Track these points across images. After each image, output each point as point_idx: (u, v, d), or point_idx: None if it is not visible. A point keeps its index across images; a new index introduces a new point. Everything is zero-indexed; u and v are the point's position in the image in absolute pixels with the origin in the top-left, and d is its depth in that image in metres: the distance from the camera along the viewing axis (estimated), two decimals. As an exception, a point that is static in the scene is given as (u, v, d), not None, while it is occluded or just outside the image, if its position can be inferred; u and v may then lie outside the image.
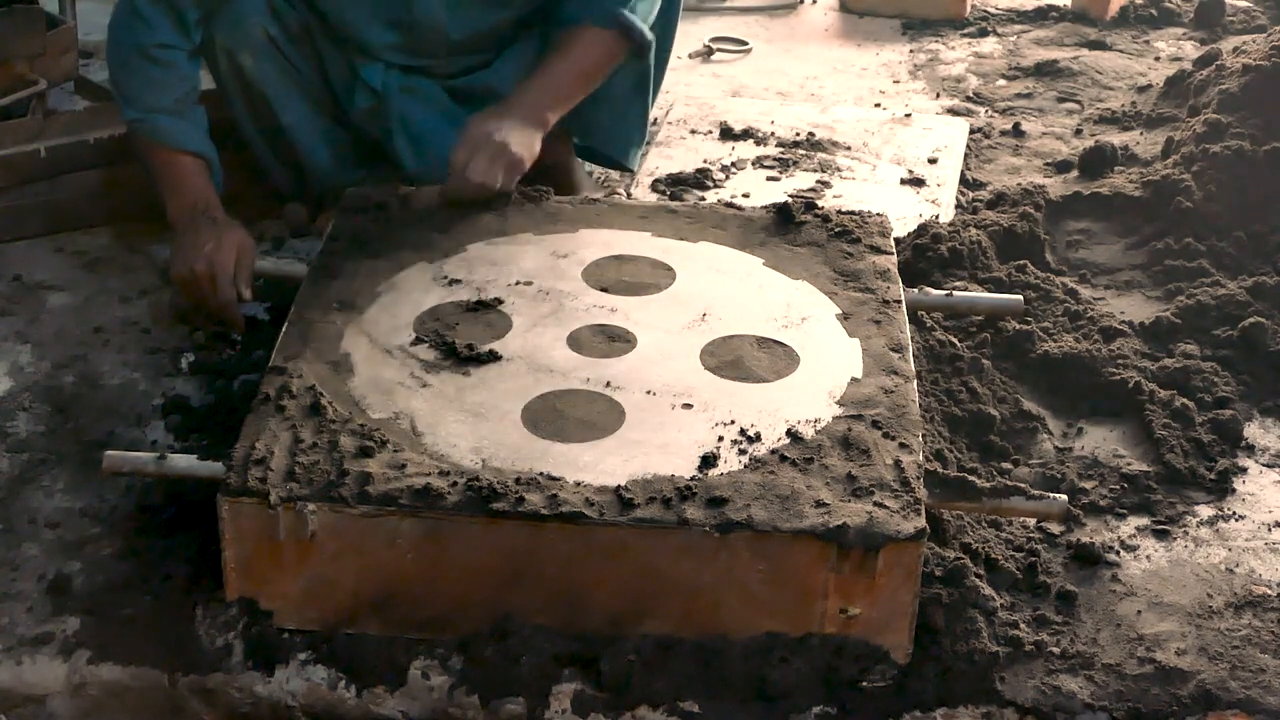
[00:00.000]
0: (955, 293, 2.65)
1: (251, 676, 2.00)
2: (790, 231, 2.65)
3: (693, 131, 3.60)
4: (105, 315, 2.71)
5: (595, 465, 2.04)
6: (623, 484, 2.00)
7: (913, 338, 2.41)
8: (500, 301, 2.40)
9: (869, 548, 1.93)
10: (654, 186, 3.30)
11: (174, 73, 2.70)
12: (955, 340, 2.60)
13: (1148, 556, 2.25)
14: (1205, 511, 2.35)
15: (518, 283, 2.46)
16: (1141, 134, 3.58)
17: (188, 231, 2.60)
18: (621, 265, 2.54)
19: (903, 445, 2.10)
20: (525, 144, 2.65)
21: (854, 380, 2.24)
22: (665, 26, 2.96)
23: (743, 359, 2.30)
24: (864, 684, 1.97)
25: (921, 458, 2.09)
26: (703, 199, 3.21)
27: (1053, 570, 2.19)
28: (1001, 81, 4.09)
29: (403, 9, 2.80)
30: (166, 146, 2.68)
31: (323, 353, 2.26)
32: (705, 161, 3.42)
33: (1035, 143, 3.64)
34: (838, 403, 2.19)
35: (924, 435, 2.18)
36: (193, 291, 2.56)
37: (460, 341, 2.28)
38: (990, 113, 3.84)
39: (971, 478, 2.13)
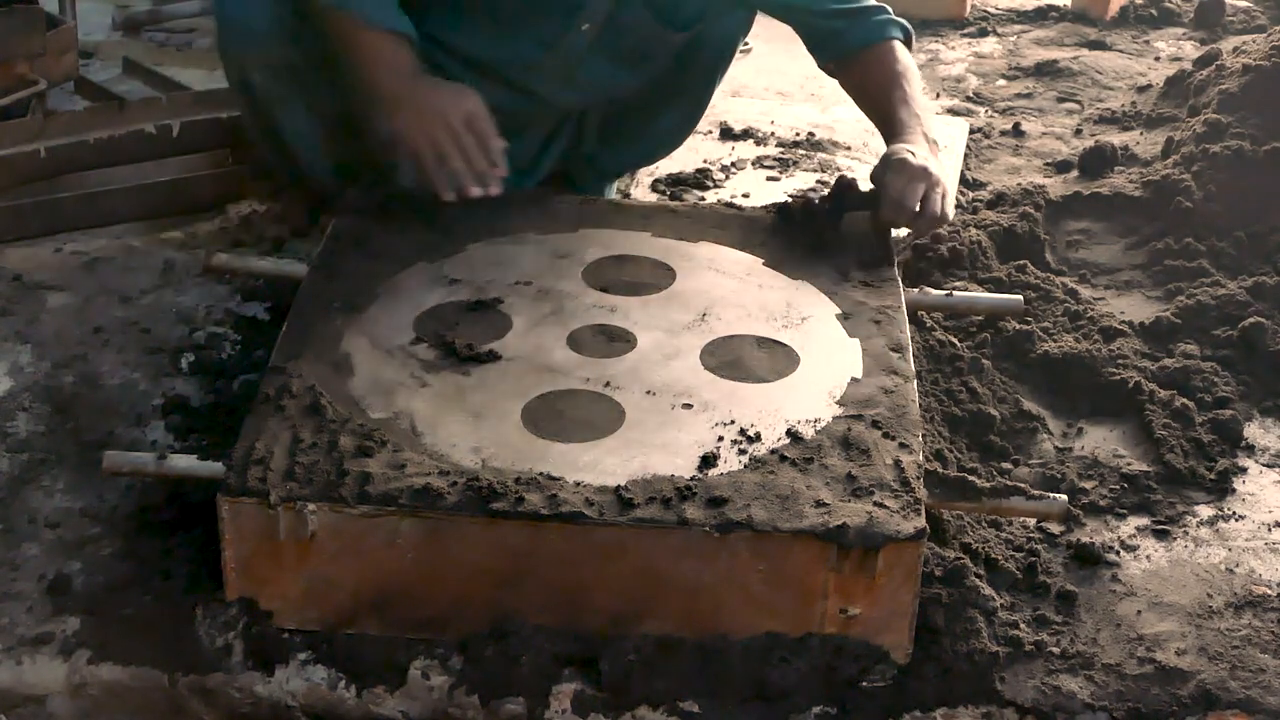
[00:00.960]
0: (955, 293, 2.64)
1: (251, 676, 2.00)
2: (790, 231, 2.65)
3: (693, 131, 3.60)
4: (105, 315, 2.70)
5: (595, 465, 2.04)
6: (623, 484, 2.00)
7: (913, 338, 2.41)
8: (500, 301, 2.40)
9: (869, 548, 1.93)
10: (654, 186, 3.29)
11: None
12: (955, 340, 2.60)
13: (1148, 556, 2.25)
14: (1205, 511, 2.35)
15: (518, 283, 2.46)
16: (1141, 134, 3.58)
17: (418, 93, 2.51)
18: (621, 265, 2.54)
19: (903, 445, 2.10)
20: (947, 175, 2.61)
21: (854, 380, 2.24)
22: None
23: (743, 359, 2.30)
24: (864, 684, 1.97)
25: (921, 458, 2.09)
26: (703, 199, 3.21)
27: (1053, 570, 2.19)
28: (1001, 81, 4.09)
29: (524, 75, 2.78)
30: (368, 26, 2.53)
31: (323, 353, 2.26)
32: (705, 161, 3.42)
33: (1035, 143, 3.64)
34: (838, 403, 2.19)
35: (924, 435, 2.18)
36: (454, 141, 2.48)
37: (460, 341, 2.28)
38: (990, 113, 3.84)
39: (971, 478, 2.13)
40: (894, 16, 2.81)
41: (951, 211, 2.56)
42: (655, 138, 3.09)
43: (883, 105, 2.73)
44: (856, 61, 2.80)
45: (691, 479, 2.01)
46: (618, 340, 2.33)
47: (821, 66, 2.88)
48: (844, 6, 2.80)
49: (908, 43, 2.82)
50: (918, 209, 2.49)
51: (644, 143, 3.09)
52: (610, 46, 2.78)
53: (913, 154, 2.55)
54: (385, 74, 2.53)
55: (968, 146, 3.56)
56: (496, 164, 2.46)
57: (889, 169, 2.54)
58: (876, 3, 2.82)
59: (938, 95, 3.96)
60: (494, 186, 2.48)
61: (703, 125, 3.62)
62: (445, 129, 2.46)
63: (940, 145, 2.74)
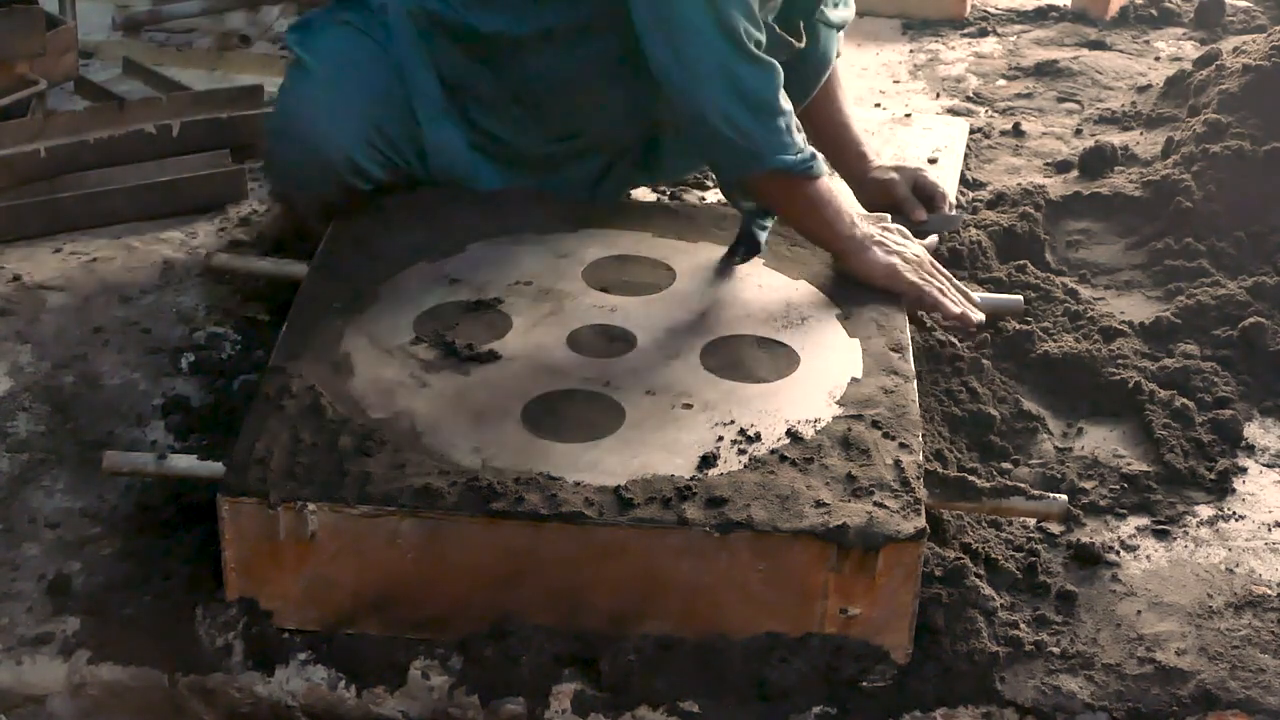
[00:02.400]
0: (955, 293, 2.65)
1: (251, 676, 2.00)
2: (790, 231, 2.65)
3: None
4: (105, 315, 2.70)
5: (595, 465, 2.04)
6: (623, 484, 2.00)
7: (913, 338, 2.41)
8: (500, 301, 2.40)
9: (869, 548, 1.93)
10: (654, 187, 3.29)
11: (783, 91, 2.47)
12: (955, 340, 2.60)
13: (1148, 556, 2.25)
14: (1205, 511, 2.35)
15: (518, 283, 2.46)
16: (1141, 134, 3.58)
17: (888, 243, 2.50)
18: (621, 265, 2.54)
19: (903, 445, 2.10)
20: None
21: (854, 380, 2.24)
22: None
23: (743, 359, 2.30)
24: (864, 684, 1.97)
25: (921, 458, 2.09)
26: (703, 199, 3.21)
27: (1053, 570, 2.19)
28: (1001, 81, 4.08)
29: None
30: (815, 177, 2.46)
31: (323, 353, 2.26)
32: (705, 161, 3.41)
33: (1035, 143, 3.63)
34: (838, 403, 2.19)
35: (924, 435, 2.18)
36: (935, 287, 2.48)
37: (460, 341, 2.28)
38: (990, 113, 3.84)
39: (971, 478, 2.13)
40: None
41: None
42: None
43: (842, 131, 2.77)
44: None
45: (691, 479, 2.01)
46: (618, 340, 2.33)
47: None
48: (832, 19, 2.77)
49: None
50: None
51: None
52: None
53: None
54: (841, 219, 2.50)
55: (968, 146, 3.56)
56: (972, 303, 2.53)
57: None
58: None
59: (938, 95, 3.96)
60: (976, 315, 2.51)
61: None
62: (933, 272, 2.51)
63: (924, 160, 2.83)
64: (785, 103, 2.45)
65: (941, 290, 2.48)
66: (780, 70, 2.45)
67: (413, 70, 2.65)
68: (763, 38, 2.44)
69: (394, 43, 2.65)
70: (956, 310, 2.46)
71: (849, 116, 2.86)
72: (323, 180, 2.61)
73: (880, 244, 2.49)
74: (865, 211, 2.57)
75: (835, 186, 2.55)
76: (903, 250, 2.50)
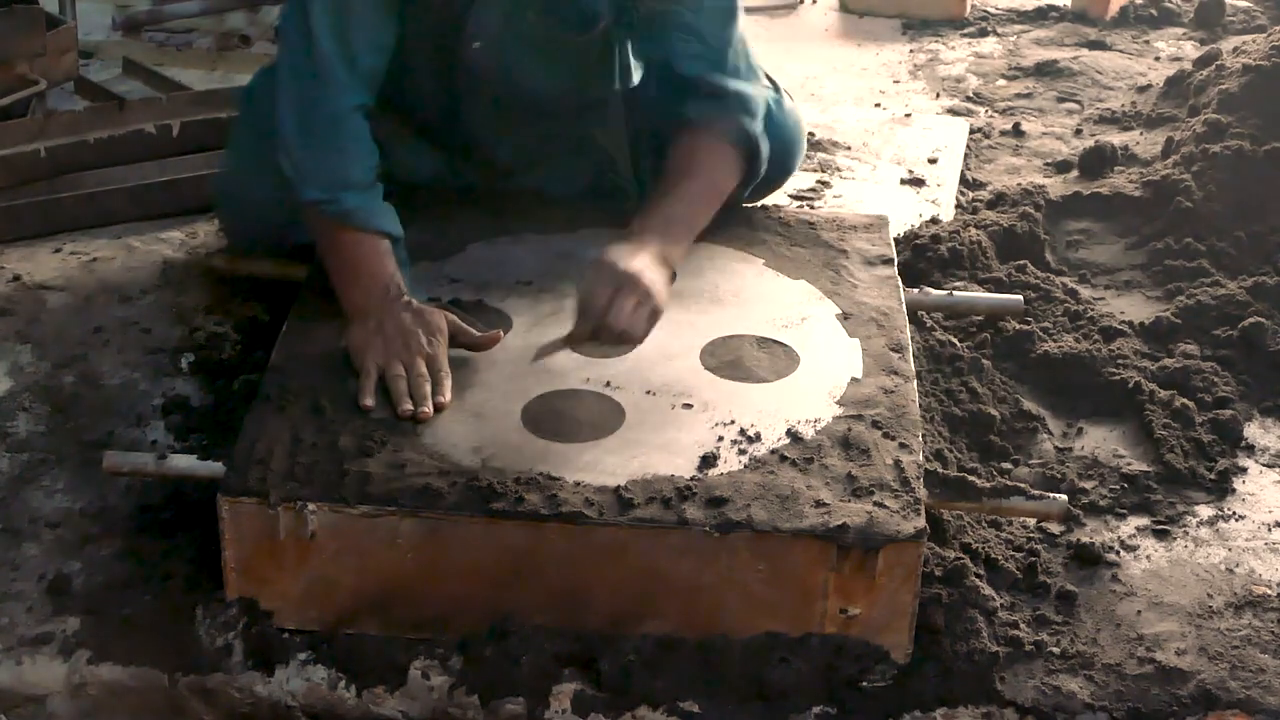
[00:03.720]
0: (955, 293, 2.65)
1: (251, 676, 2.00)
2: (790, 231, 2.66)
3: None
4: (105, 315, 2.70)
5: (595, 465, 2.04)
6: (623, 484, 2.00)
7: (913, 338, 2.41)
8: (500, 301, 2.40)
9: (869, 548, 1.93)
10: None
11: (363, 141, 2.38)
12: (955, 340, 2.60)
13: (1148, 556, 2.25)
14: (1205, 511, 2.35)
15: (518, 283, 2.46)
16: (1141, 134, 3.58)
17: (385, 318, 2.25)
18: (621, 265, 2.54)
19: (903, 445, 2.10)
20: (665, 293, 2.28)
21: (854, 380, 2.24)
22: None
23: (743, 359, 2.30)
24: (864, 684, 1.97)
25: (921, 458, 2.09)
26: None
27: (1053, 570, 2.19)
28: (1001, 81, 4.09)
29: (449, 134, 2.64)
30: (354, 228, 2.35)
31: (323, 353, 2.26)
32: (705, 161, 3.41)
33: (1035, 143, 3.64)
34: (838, 403, 2.19)
35: (924, 435, 2.18)
36: (406, 370, 2.20)
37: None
38: (990, 113, 3.84)
39: (971, 478, 2.13)
40: (751, 124, 2.50)
41: (642, 329, 2.22)
42: None
43: (656, 193, 2.45)
44: (678, 147, 2.49)
45: (691, 479, 2.01)
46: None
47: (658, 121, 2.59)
48: (721, 83, 2.51)
49: (751, 157, 2.52)
50: (606, 316, 2.20)
51: None
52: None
53: (621, 257, 2.25)
54: (358, 285, 2.32)
55: (968, 146, 3.56)
56: (441, 395, 2.19)
57: (589, 268, 2.26)
58: (760, 96, 2.53)
59: (938, 95, 3.96)
60: (425, 410, 2.18)
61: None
62: (403, 356, 2.21)
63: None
64: (354, 135, 2.35)
65: (399, 379, 2.17)
66: (351, 98, 2.35)
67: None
68: (373, 60, 2.37)
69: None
70: (403, 407, 2.13)
71: (670, 199, 2.44)
72: (269, 237, 2.60)
73: (380, 322, 2.22)
74: (411, 297, 2.29)
75: (376, 249, 2.34)
76: (403, 338, 2.21)
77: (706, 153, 2.50)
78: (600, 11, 2.44)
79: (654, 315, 2.25)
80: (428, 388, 2.16)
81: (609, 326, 2.20)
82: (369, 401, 2.14)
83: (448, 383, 2.19)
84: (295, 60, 2.39)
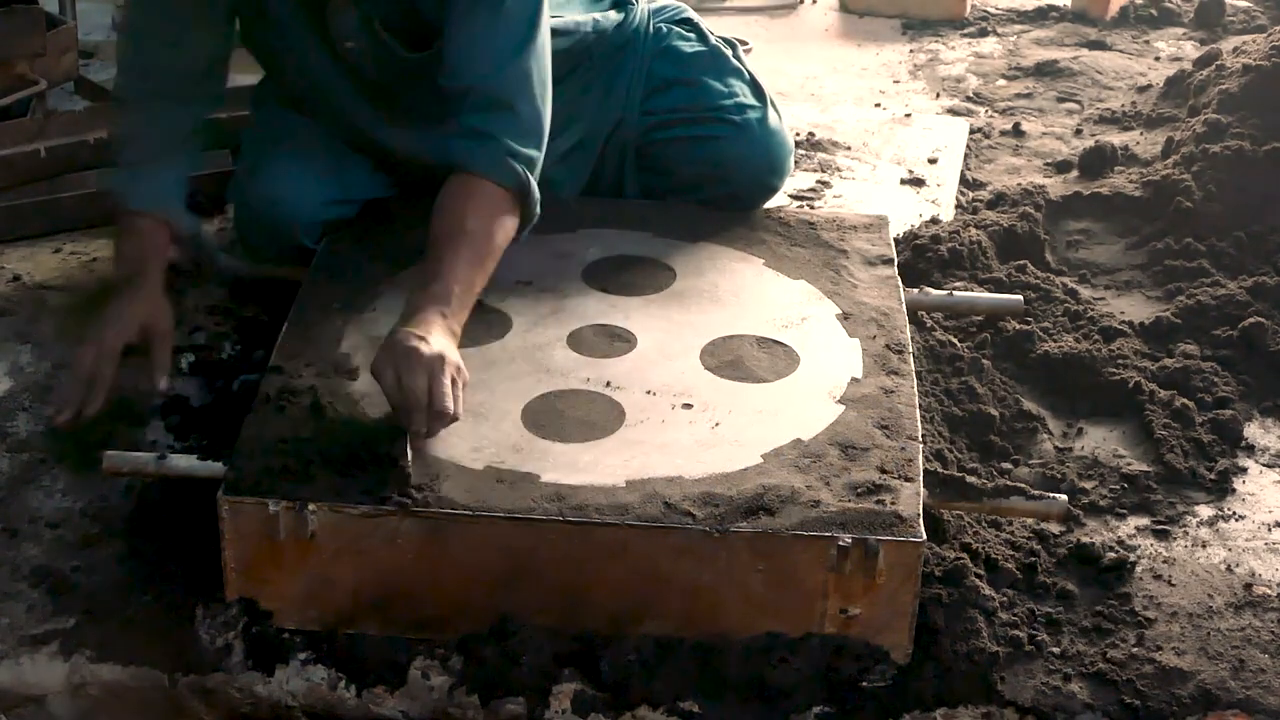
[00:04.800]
0: (955, 293, 2.65)
1: (251, 676, 2.00)
2: (790, 231, 2.66)
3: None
4: (105, 315, 2.70)
5: (595, 465, 2.04)
6: (622, 484, 2.00)
7: (913, 338, 2.41)
8: (500, 301, 2.40)
9: (869, 548, 1.93)
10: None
11: (166, 119, 2.49)
12: (955, 340, 2.60)
13: (1148, 556, 2.24)
14: (1205, 511, 2.35)
15: (518, 283, 2.46)
16: (1141, 134, 3.58)
17: (109, 298, 2.34)
18: (621, 265, 2.54)
19: (903, 446, 2.10)
20: (455, 359, 2.11)
21: (854, 380, 2.24)
22: None
23: (743, 359, 2.30)
24: (864, 684, 1.97)
25: (921, 458, 2.09)
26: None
27: (1053, 570, 2.19)
28: (1001, 81, 4.09)
29: (366, 141, 2.63)
30: (119, 209, 2.43)
31: (323, 353, 2.26)
32: (705, 161, 3.41)
33: (1035, 143, 3.64)
34: (838, 403, 2.19)
35: (924, 435, 2.18)
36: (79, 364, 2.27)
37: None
38: (990, 113, 3.84)
39: (971, 478, 2.13)
40: (519, 169, 2.31)
41: (449, 404, 2.05)
42: None
43: (432, 257, 2.25)
44: (442, 198, 2.31)
45: (691, 479, 2.01)
46: (618, 340, 2.33)
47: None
48: (475, 123, 2.33)
49: (523, 192, 2.33)
50: (450, 409, 2.05)
51: None
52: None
53: (417, 339, 2.07)
54: (118, 259, 2.41)
55: (968, 146, 3.56)
56: (92, 404, 2.23)
57: (387, 358, 2.07)
58: (514, 131, 2.33)
59: (938, 95, 3.96)
60: (64, 415, 2.25)
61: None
62: (86, 346, 2.27)
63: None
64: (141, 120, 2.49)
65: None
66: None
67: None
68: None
69: None
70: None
71: (445, 265, 2.23)
72: (289, 238, 2.60)
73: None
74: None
75: (133, 227, 2.42)
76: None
77: (477, 205, 2.29)
78: (439, 30, 2.38)
79: (435, 380, 2.05)
80: (75, 392, 2.25)
81: (439, 413, 2.04)
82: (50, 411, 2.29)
83: (100, 392, 2.24)
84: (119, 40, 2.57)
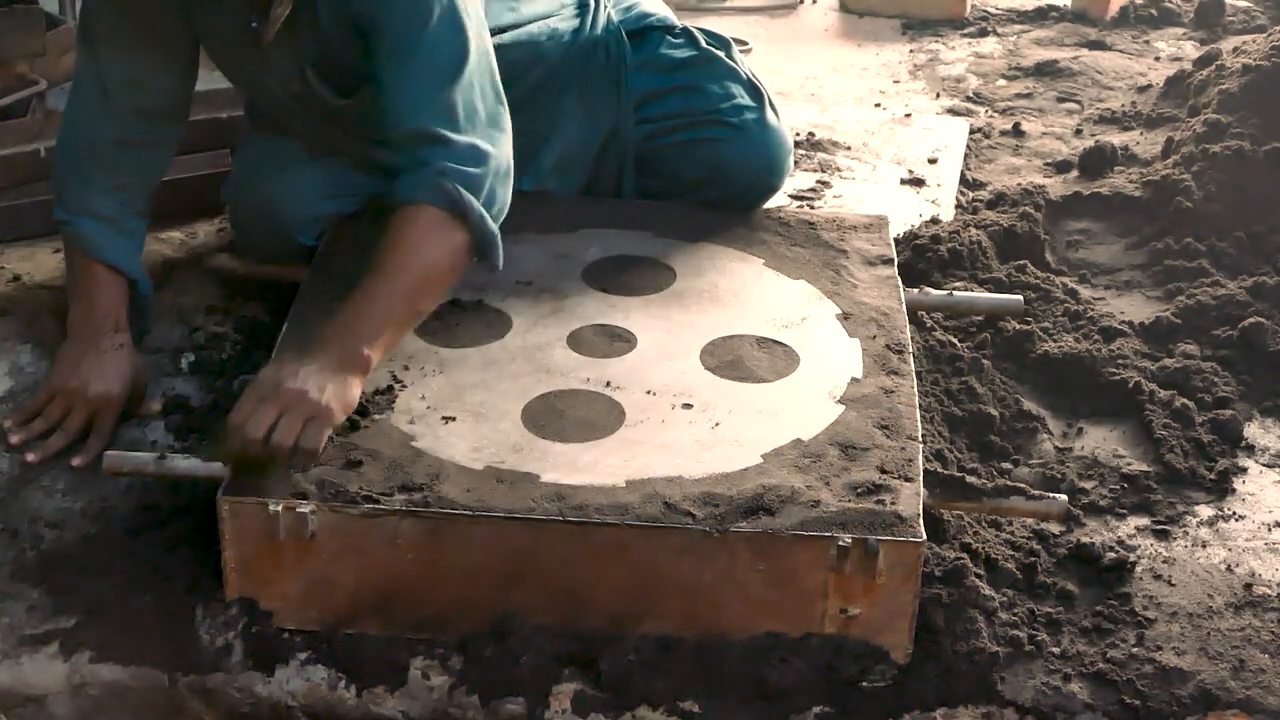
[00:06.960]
0: (955, 293, 2.65)
1: (251, 676, 2.00)
2: (790, 231, 2.66)
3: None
4: (105, 315, 2.70)
5: (595, 465, 2.04)
6: (622, 484, 2.00)
7: (913, 338, 2.41)
8: (500, 301, 2.40)
9: (869, 548, 1.93)
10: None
11: (116, 173, 2.48)
12: (955, 340, 2.60)
13: (1148, 556, 2.24)
14: (1205, 511, 2.35)
15: (518, 283, 2.46)
16: (1141, 134, 3.58)
17: (88, 350, 2.38)
18: (621, 265, 2.54)
19: (903, 446, 2.10)
20: (335, 392, 2.06)
21: (854, 380, 2.24)
22: None
23: (743, 359, 2.30)
24: (864, 684, 1.97)
25: (921, 458, 2.09)
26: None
27: (1053, 570, 2.19)
28: (1001, 81, 4.09)
29: (348, 150, 2.60)
30: (84, 254, 2.44)
31: (323, 353, 2.25)
32: (705, 161, 3.41)
33: (1035, 143, 3.64)
34: (838, 403, 2.19)
35: (924, 435, 2.18)
36: (60, 408, 2.35)
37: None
38: (990, 113, 3.84)
39: (971, 478, 2.13)
40: (469, 189, 2.22)
41: (294, 435, 2.01)
42: None
43: (357, 287, 2.19)
44: (386, 226, 2.25)
45: (691, 479, 2.01)
46: (618, 340, 2.34)
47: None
48: (403, 160, 2.28)
49: (457, 209, 2.22)
50: (250, 432, 2.01)
51: None
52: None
53: (275, 368, 2.09)
54: (77, 307, 2.43)
55: (968, 146, 3.56)
56: (69, 449, 2.31)
57: (249, 388, 2.09)
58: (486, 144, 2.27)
59: (938, 95, 3.96)
60: (33, 456, 2.31)
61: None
62: (70, 397, 2.35)
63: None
64: (105, 166, 2.44)
65: (50, 413, 2.34)
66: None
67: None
68: (130, 97, 2.44)
69: None
70: (18, 437, 2.31)
71: (364, 294, 2.18)
72: (279, 243, 2.61)
73: (83, 351, 2.36)
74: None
75: (103, 280, 2.44)
76: (83, 380, 2.34)
77: (402, 227, 2.22)
78: (365, 77, 2.36)
79: (318, 420, 2.03)
80: (60, 442, 2.32)
81: (278, 445, 2.01)
82: (7, 423, 2.34)
83: (96, 444, 2.31)
84: (74, 83, 2.50)
